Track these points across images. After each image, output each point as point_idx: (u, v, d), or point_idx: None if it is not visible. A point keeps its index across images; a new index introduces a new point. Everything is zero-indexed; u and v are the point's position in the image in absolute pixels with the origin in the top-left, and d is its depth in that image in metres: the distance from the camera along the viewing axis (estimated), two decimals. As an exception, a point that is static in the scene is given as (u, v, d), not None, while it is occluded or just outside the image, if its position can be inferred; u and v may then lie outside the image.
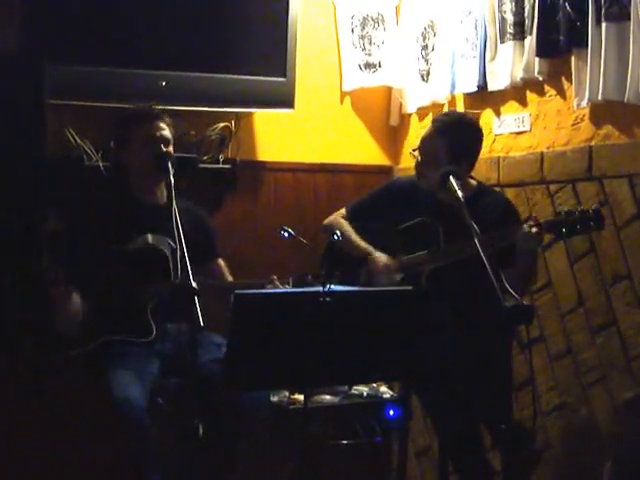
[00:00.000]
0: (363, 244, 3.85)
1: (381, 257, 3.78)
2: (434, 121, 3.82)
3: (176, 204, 3.53)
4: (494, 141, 4.33)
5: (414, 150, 3.80)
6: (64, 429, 3.98)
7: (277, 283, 3.66)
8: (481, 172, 4.20)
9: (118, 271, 3.67)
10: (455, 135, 3.69)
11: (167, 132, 3.84)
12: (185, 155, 4.19)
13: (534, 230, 3.43)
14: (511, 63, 4.11)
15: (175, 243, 3.45)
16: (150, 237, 3.71)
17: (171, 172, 3.62)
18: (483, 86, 4.31)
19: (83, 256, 3.66)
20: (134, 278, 3.66)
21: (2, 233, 3.32)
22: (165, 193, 3.85)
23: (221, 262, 3.96)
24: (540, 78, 4.02)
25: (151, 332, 3.61)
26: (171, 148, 3.83)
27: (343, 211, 4.00)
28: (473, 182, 3.81)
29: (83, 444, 3.97)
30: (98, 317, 3.59)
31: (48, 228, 3.66)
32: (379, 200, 3.93)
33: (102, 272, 3.66)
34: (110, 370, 3.54)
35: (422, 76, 4.70)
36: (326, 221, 4.02)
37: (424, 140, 3.76)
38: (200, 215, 3.99)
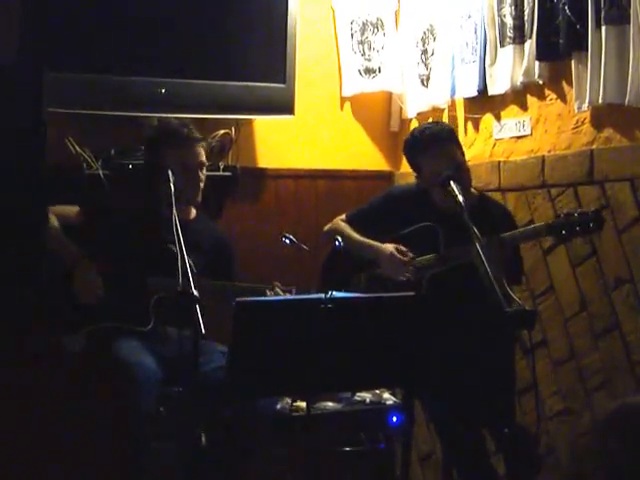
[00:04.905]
0: (369, 240, 3.81)
1: (388, 246, 3.74)
2: (448, 131, 3.80)
3: (198, 221, 3.72)
4: (494, 145, 4.32)
5: None
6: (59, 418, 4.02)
7: (278, 290, 3.64)
8: (482, 177, 4.20)
9: (128, 259, 3.69)
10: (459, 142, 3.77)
11: (203, 156, 3.83)
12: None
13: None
14: (511, 67, 4.11)
15: (196, 260, 3.42)
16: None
17: (171, 180, 3.60)
18: (483, 90, 4.30)
19: (101, 246, 3.71)
20: (143, 268, 3.67)
21: (2, 240, 3.32)
22: (194, 211, 3.86)
23: None
24: (540, 82, 4.01)
25: (148, 322, 3.61)
26: (204, 170, 3.84)
27: (343, 218, 3.97)
28: (474, 191, 3.82)
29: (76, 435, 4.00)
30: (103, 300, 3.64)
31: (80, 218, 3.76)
32: (378, 208, 3.91)
33: (114, 258, 3.69)
34: (116, 343, 3.57)
35: (422, 81, 4.69)
36: (326, 227, 4.00)
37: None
38: (224, 241, 3.99)
